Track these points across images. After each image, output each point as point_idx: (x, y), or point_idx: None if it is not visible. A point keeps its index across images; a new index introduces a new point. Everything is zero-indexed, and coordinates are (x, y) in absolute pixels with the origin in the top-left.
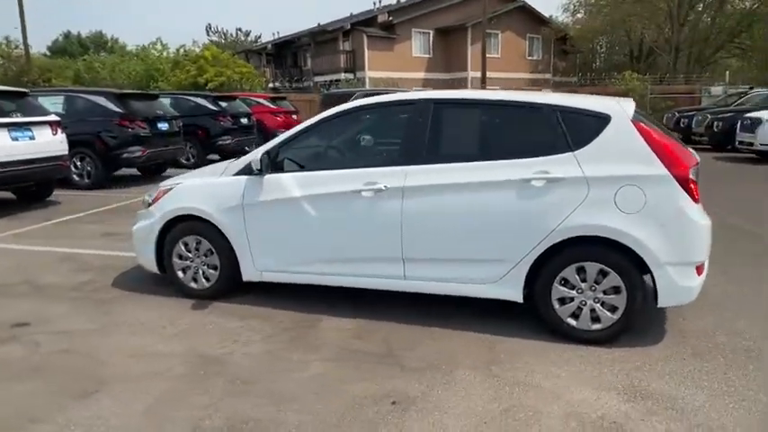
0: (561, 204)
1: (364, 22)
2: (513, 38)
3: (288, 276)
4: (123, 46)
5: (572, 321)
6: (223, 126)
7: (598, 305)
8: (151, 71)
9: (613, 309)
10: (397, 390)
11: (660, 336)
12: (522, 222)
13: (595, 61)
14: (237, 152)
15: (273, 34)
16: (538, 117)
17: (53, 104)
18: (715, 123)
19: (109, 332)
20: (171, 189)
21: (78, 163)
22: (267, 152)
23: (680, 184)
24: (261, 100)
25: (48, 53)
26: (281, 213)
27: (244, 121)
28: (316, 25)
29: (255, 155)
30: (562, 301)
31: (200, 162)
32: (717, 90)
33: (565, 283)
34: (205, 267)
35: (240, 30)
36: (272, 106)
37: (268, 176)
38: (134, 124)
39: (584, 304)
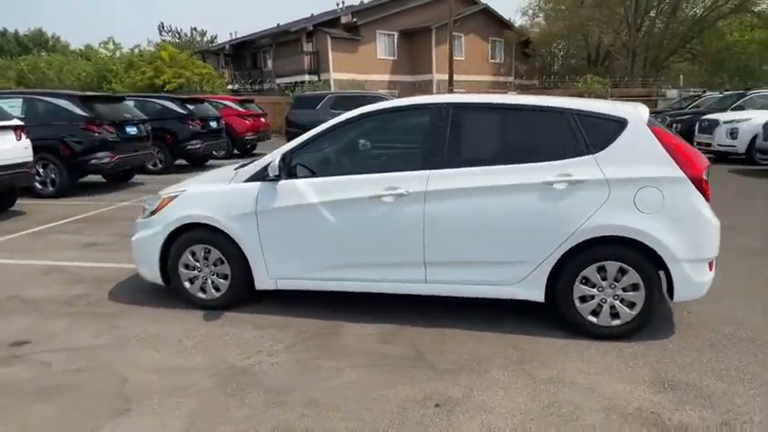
0: (583, 206)
1: (327, 23)
2: (476, 41)
3: (305, 284)
4: (66, 45)
5: (592, 318)
6: (192, 130)
7: (617, 302)
8: (103, 72)
9: (632, 305)
10: (438, 392)
11: (671, 329)
12: (546, 224)
13: (554, 65)
14: (207, 157)
15: (231, 34)
16: (557, 121)
17: (10, 108)
18: (674, 125)
19: (121, 347)
20: (176, 197)
21: (41, 170)
22: (282, 158)
23: (694, 185)
24: (228, 102)
25: None
26: (298, 220)
27: (213, 124)
28: (275, 26)
29: (271, 161)
30: (583, 299)
31: (169, 168)
32: (672, 93)
33: (586, 281)
34: (214, 277)
35: (195, 29)
36: (239, 109)
37: (282, 182)
38: (101, 129)
39: (605, 301)
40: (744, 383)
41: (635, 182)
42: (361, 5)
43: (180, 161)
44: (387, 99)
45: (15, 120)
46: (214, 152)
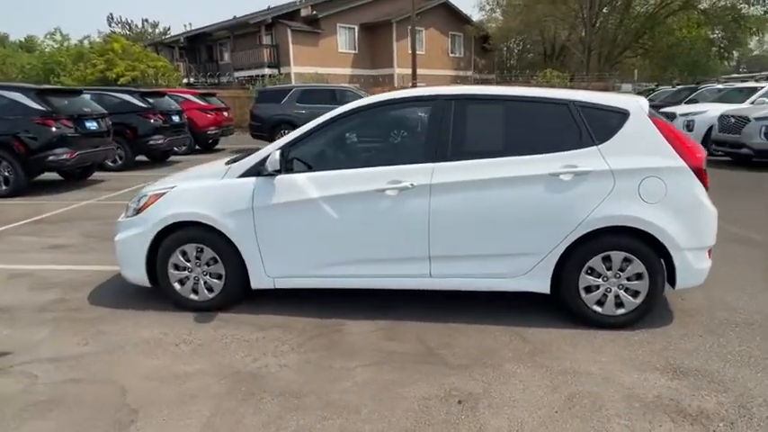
0: (589, 196)
1: (287, 16)
2: (437, 35)
3: (305, 282)
4: (5, 36)
5: (597, 308)
6: (153, 124)
7: (622, 291)
8: (51, 64)
9: (636, 294)
10: (457, 388)
11: (670, 316)
12: (552, 216)
13: (511, 59)
14: (169, 153)
15: (185, 26)
16: (561, 112)
17: None
18: None
19: (113, 355)
20: (164, 194)
21: None
22: (281, 152)
23: (695, 174)
24: (189, 96)
25: None
26: (298, 216)
27: (175, 118)
28: (232, 18)
29: (266, 155)
30: (588, 289)
31: (129, 165)
32: (626, 87)
33: (591, 272)
34: (207, 277)
35: (147, 21)
36: (201, 102)
37: (280, 177)
38: (59, 123)
39: (609, 291)
40: (749, 367)
41: (639, 172)
42: None
43: (140, 157)
44: (355, 92)
45: None
46: (176, 148)
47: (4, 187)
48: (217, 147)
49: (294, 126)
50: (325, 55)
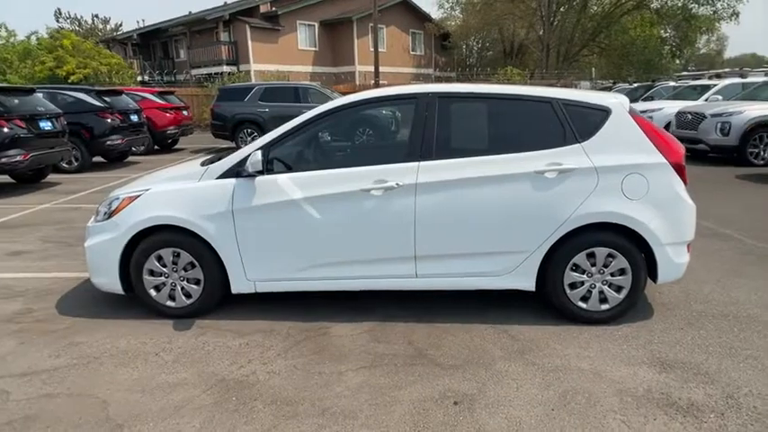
0: (574, 194)
1: (245, 12)
2: (397, 33)
3: (287, 285)
4: None
5: (582, 304)
6: (111, 124)
7: (606, 287)
8: None
9: (619, 289)
10: (452, 389)
11: (650, 311)
12: (537, 213)
13: (471, 57)
14: (127, 153)
15: (138, 22)
16: (544, 110)
17: None
18: None
19: (90, 368)
20: (139, 196)
21: None
22: (262, 152)
23: (675, 170)
24: (147, 94)
25: None
26: (280, 217)
27: (134, 118)
28: (187, 13)
29: (246, 155)
30: (573, 285)
31: (85, 166)
32: (585, 84)
33: (576, 268)
34: (185, 282)
35: (97, 16)
36: (159, 101)
37: (261, 178)
38: (12, 124)
39: (594, 287)
40: (731, 358)
41: (621, 169)
42: None
43: (97, 158)
44: (319, 90)
45: None
46: (134, 148)
47: None
48: (176, 146)
49: (257, 125)
50: (286, 52)
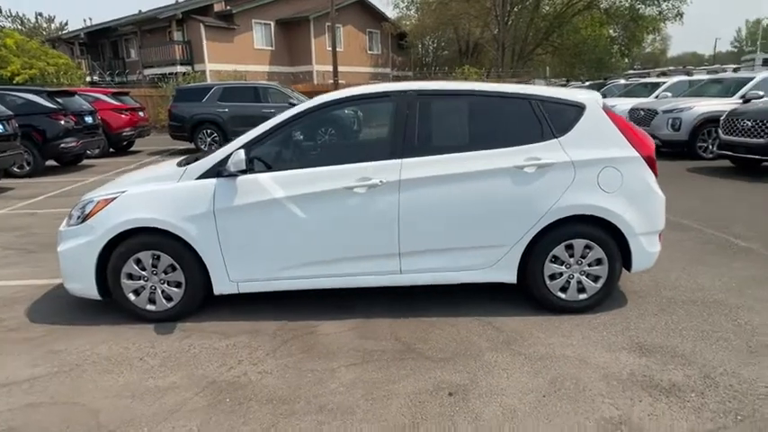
0: (552, 187)
1: (199, 11)
2: (354, 32)
3: (271, 284)
4: None
5: (561, 294)
6: (65, 126)
7: (584, 277)
8: None
9: (596, 279)
10: (444, 381)
11: (624, 299)
12: (518, 207)
13: (428, 56)
14: (81, 157)
15: (85, 21)
16: (522, 107)
17: None
18: None
19: (71, 375)
20: (114, 198)
21: None
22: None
23: (647, 164)
24: (100, 95)
25: None
26: (263, 217)
27: (88, 119)
28: (137, 12)
29: (227, 155)
30: (552, 276)
31: (37, 170)
32: (539, 83)
33: (555, 260)
34: (165, 285)
35: (41, 14)
36: (114, 102)
37: (243, 178)
38: None
39: (572, 277)
40: (704, 340)
41: (597, 163)
42: None
43: (50, 162)
44: (280, 90)
45: None
46: (88, 151)
47: None
48: (132, 149)
49: (217, 125)
50: (242, 52)
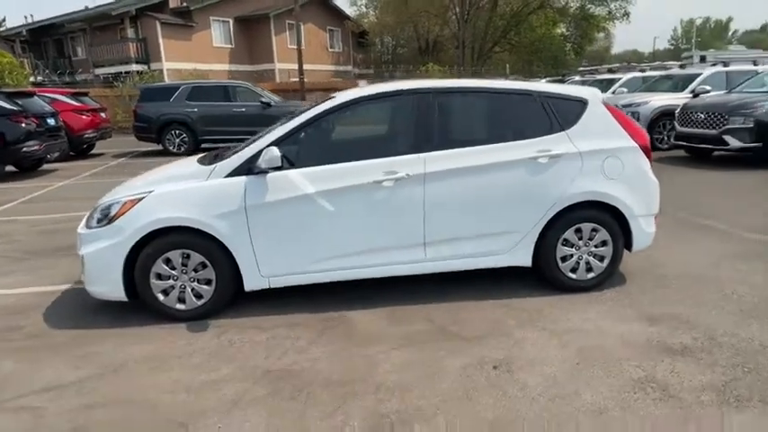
0: (563, 176)
1: (154, 7)
2: (315, 30)
3: (302, 278)
4: None
5: (572, 275)
6: (26, 129)
7: (591, 257)
8: None
9: (602, 259)
10: (485, 356)
11: (623, 278)
12: (533, 195)
13: (387, 54)
14: (42, 161)
15: (26, 17)
16: (531, 102)
17: None
18: None
19: (120, 375)
20: (142, 198)
21: None
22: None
23: (643, 152)
24: (59, 96)
25: None
26: (294, 212)
27: (51, 121)
28: (83, 8)
29: (257, 152)
30: (564, 258)
31: None
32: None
33: (566, 243)
34: (195, 284)
35: None
36: (74, 103)
37: (273, 174)
38: None
39: (581, 258)
40: (701, 307)
41: (601, 153)
42: None
43: (9, 167)
44: (251, 89)
45: None
46: (49, 155)
47: None
48: (93, 151)
49: (186, 125)
50: (200, 50)
